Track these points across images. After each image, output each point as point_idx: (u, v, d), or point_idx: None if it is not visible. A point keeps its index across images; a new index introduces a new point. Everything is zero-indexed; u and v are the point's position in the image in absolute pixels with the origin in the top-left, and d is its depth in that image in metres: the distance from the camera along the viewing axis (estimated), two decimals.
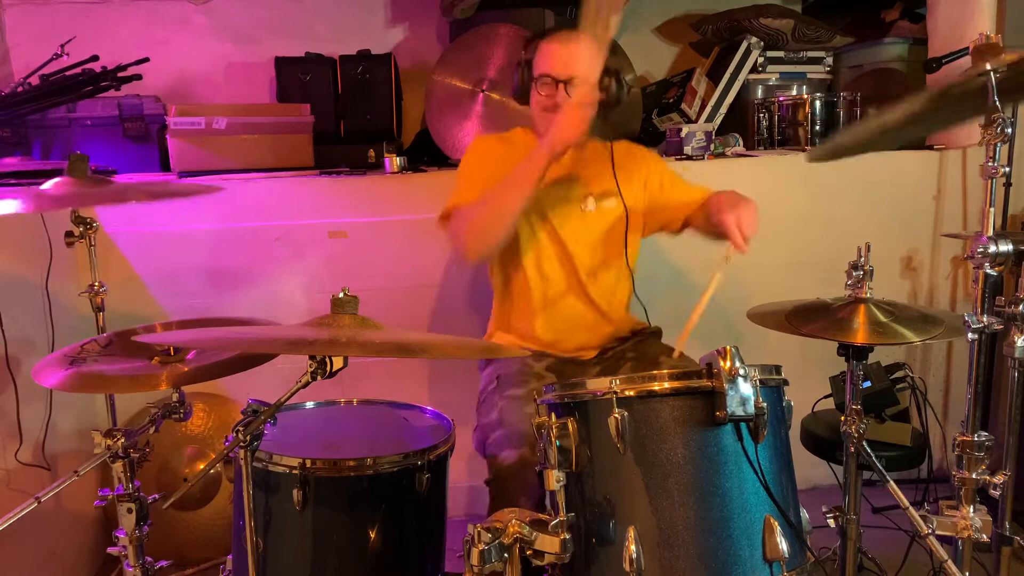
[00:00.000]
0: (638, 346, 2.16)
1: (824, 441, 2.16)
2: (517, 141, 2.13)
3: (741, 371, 1.30)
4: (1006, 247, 1.51)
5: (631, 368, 2.08)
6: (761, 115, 2.98)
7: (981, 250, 1.51)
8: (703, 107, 2.97)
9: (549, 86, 1.96)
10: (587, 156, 2.12)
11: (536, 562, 1.34)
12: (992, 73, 1.43)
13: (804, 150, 2.83)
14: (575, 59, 1.94)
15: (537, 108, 2.02)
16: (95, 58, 2.67)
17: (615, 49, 2.04)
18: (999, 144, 1.51)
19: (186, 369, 1.64)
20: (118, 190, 1.80)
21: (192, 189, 2.09)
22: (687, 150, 2.70)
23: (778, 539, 1.31)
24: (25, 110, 2.68)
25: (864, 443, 1.69)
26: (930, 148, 2.83)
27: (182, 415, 1.78)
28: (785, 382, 1.48)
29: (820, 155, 2.09)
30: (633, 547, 1.29)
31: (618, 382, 1.35)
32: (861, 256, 1.67)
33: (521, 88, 2.07)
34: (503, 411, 1.91)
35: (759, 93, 3.08)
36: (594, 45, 1.93)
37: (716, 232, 1.89)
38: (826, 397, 2.21)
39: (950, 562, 1.60)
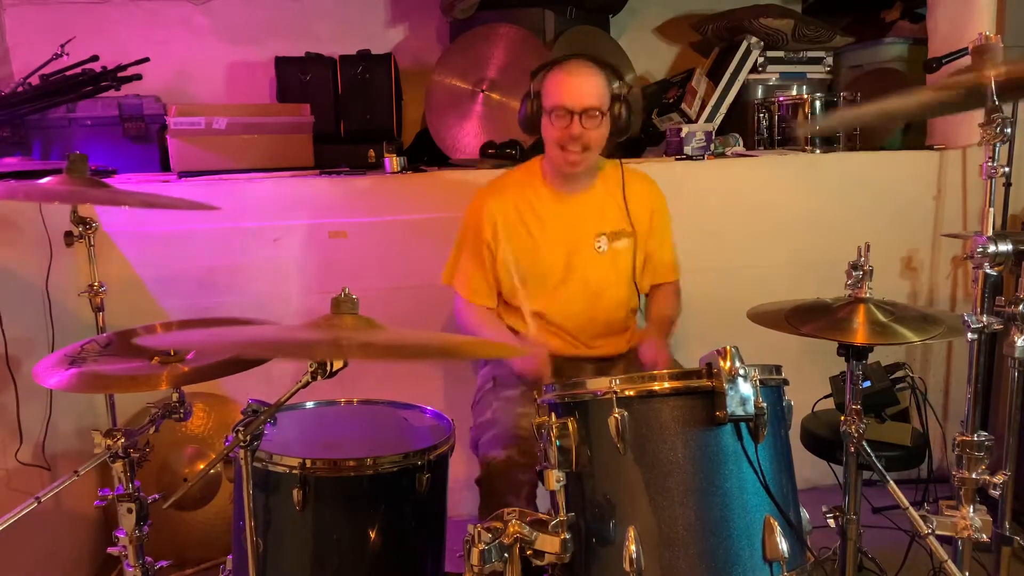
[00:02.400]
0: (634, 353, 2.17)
1: (824, 441, 2.16)
2: (521, 183, 2.12)
3: (741, 371, 1.30)
4: (1006, 247, 1.51)
5: (623, 371, 2.08)
6: (761, 115, 2.98)
7: (981, 250, 1.51)
8: (703, 107, 2.97)
9: (564, 118, 1.94)
10: (599, 189, 2.11)
11: (536, 562, 1.35)
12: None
13: (804, 150, 2.82)
14: (588, 90, 1.94)
15: (551, 142, 2.00)
16: (95, 58, 2.67)
17: (619, 74, 2.04)
18: (999, 144, 1.50)
19: (186, 369, 1.63)
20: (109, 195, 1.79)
21: (190, 205, 2.08)
22: (687, 150, 2.69)
23: (778, 539, 1.31)
24: (25, 110, 2.67)
25: (864, 443, 1.68)
26: (930, 148, 2.83)
27: (182, 415, 1.78)
28: (785, 382, 1.48)
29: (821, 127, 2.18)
30: (633, 547, 1.30)
31: (618, 382, 1.36)
32: (861, 256, 1.67)
33: (530, 120, 2.04)
34: (496, 411, 1.93)
35: (759, 93, 3.08)
36: (602, 74, 1.96)
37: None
38: (826, 397, 2.20)
39: (950, 562, 1.60)
